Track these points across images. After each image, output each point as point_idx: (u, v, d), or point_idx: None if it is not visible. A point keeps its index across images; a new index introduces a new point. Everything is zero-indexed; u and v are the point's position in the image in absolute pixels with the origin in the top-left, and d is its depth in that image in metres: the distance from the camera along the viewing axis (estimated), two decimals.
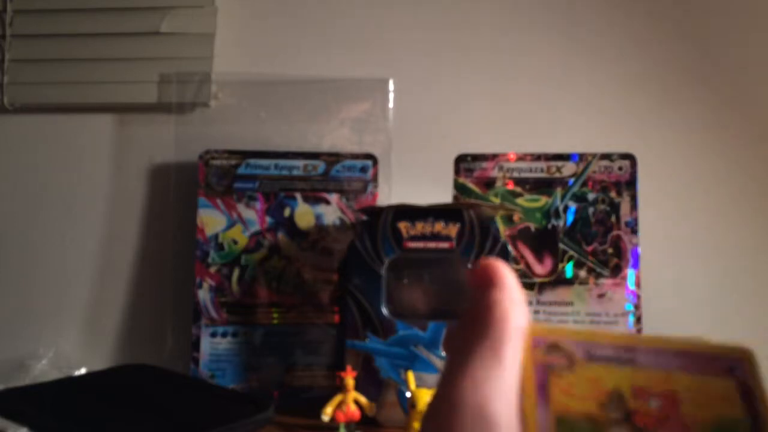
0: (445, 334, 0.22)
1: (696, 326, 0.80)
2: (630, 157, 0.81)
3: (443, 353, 0.70)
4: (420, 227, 0.72)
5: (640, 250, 0.79)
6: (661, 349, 0.19)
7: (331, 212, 0.83)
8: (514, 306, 0.21)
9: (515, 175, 0.82)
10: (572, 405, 0.19)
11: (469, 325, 0.21)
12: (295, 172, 0.83)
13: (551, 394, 0.19)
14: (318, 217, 0.83)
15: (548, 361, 0.20)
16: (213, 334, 0.79)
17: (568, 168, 0.81)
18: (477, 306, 0.21)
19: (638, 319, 0.78)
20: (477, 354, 0.20)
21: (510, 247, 0.79)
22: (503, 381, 0.19)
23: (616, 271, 0.79)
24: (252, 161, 0.83)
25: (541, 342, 0.20)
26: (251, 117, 0.88)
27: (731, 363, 0.19)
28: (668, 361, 0.19)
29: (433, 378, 0.70)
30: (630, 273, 0.79)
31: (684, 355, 0.19)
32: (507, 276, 0.22)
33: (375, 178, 0.84)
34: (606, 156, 0.81)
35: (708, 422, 0.18)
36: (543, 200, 0.81)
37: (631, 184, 0.80)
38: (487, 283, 0.22)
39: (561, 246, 0.80)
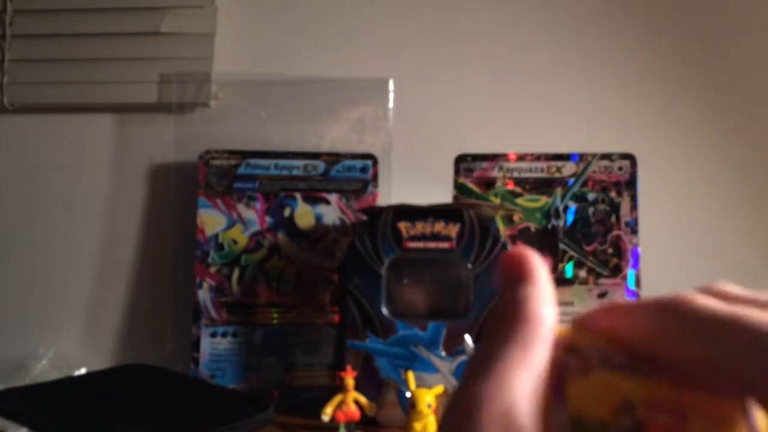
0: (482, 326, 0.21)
1: None
2: (630, 157, 0.81)
3: (443, 353, 0.70)
4: (420, 227, 0.72)
5: (640, 250, 0.79)
6: (675, 366, 0.19)
7: (331, 212, 0.83)
8: (547, 304, 0.20)
9: (515, 175, 0.82)
10: (587, 409, 0.18)
11: (498, 321, 0.20)
12: (295, 172, 0.83)
13: (567, 395, 0.19)
14: (318, 217, 0.83)
15: (565, 362, 0.19)
16: (213, 334, 0.79)
17: (568, 168, 0.81)
18: (505, 302, 0.20)
19: None
20: (505, 354, 0.19)
21: (510, 247, 0.79)
22: (531, 383, 0.18)
23: (616, 271, 0.79)
24: (252, 161, 0.83)
25: (559, 344, 0.20)
26: (251, 117, 0.88)
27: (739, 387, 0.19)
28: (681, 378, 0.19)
29: (433, 378, 0.70)
30: (630, 273, 0.79)
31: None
32: (539, 269, 0.20)
33: (375, 178, 0.84)
34: (606, 156, 0.81)
35: None
36: (543, 200, 0.81)
37: (631, 184, 0.80)
38: (518, 277, 0.20)
39: (561, 246, 0.80)
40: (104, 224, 0.91)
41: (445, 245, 0.72)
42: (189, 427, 0.61)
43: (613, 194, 0.80)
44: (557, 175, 0.81)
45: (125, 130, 0.92)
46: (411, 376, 0.64)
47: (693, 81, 0.87)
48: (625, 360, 0.19)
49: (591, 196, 0.80)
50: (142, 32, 0.89)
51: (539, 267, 0.20)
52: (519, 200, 0.81)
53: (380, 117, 0.88)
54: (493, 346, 0.19)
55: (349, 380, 0.66)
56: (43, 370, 0.80)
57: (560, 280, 0.79)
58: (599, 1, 0.89)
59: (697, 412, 0.18)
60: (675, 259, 0.86)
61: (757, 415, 0.18)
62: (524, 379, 0.18)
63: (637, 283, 0.79)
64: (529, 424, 0.18)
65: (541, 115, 0.88)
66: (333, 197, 0.83)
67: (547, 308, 0.20)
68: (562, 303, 0.79)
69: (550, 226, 0.81)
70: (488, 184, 0.82)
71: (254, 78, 0.89)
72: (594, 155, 0.81)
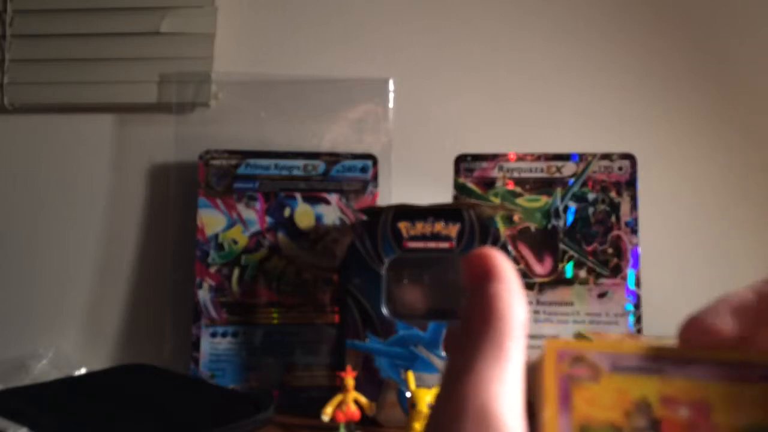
0: (446, 333, 0.21)
1: None
2: (630, 157, 0.81)
3: (444, 353, 0.70)
4: (420, 227, 0.72)
5: (640, 250, 0.79)
6: (689, 358, 0.19)
7: (331, 212, 0.83)
8: (516, 299, 0.20)
9: (515, 175, 0.82)
10: (596, 414, 0.18)
11: (470, 322, 0.20)
12: (295, 172, 0.83)
13: (574, 404, 0.19)
14: (318, 217, 0.83)
15: (572, 373, 0.19)
16: (213, 334, 0.80)
17: (568, 168, 0.81)
18: (476, 301, 0.20)
19: (638, 319, 0.78)
20: (480, 352, 0.19)
21: (510, 247, 0.79)
22: (508, 380, 0.18)
23: (616, 271, 0.79)
24: (252, 161, 0.83)
25: (566, 355, 0.20)
26: (251, 117, 0.88)
27: (764, 371, 0.19)
28: (698, 370, 0.19)
29: (433, 378, 0.70)
30: (630, 273, 0.79)
31: (714, 364, 0.19)
32: (505, 266, 0.20)
33: (375, 178, 0.84)
34: (606, 156, 0.81)
35: (739, 430, 0.18)
36: (543, 200, 0.81)
37: (631, 184, 0.80)
38: (484, 276, 0.20)
39: (561, 246, 0.80)
40: (104, 224, 0.91)
41: (445, 245, 0.72)
42: (189, 427, 0.61)
43: (613, 194, 0.80)
44: (557, 175, 0.81)
45: (125, 130, 0.92)
46: (411, 376, 0.64)
47: (693, 81, 0.87)
48: (636, 362, 0.19)
49: (591, 196, 0.80)
50: (142, 32, 0.89)
51: (505, 263, 0.20)
52: (519, 200, 0.81)
53: (380, 117, 0.88)
54: (468, 345, 0.19)
55: (349, 380, 0.66)
56: (43, 370, 0.80)
57: (560, 280, 0.79)
58: (599, 1, 0.89)
59: (719, 401, 0.18)
60: (675, 259, 0.86)
61: None
62: (502, 377, 0.18)
63: (637, 283, 0.78)
64: (511, 421, 0.18)
65: (541, 115, 0.88)
66: (333, 197, 0.83)
67: (517, 303, 0.20)
68: (562, 303, 0.79)
69: (550, 226, 0.81)
70: (488, 184, 0.82)
71: (254, 78, 0.89)
72: (594, 155, 0.81)
